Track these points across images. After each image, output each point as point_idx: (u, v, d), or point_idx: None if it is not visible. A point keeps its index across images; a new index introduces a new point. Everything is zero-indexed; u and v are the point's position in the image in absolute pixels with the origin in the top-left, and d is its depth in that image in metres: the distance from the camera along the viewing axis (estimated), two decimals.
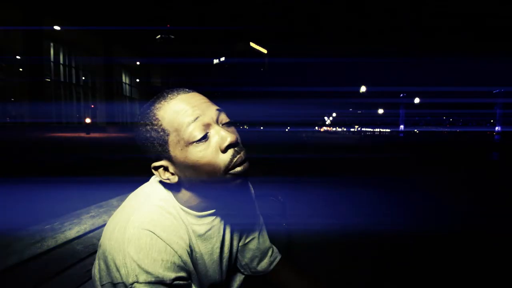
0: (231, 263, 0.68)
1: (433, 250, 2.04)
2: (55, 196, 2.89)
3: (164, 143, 0.49)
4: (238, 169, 0.49)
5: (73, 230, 0.61)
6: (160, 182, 0.56)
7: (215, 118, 0.50)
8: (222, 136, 0.48)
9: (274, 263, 0.75)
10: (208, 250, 0.58)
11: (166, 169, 0.51)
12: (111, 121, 26.47)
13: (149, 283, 0.44)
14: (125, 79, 32.97)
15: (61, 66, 23.00)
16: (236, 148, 0.49)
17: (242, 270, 0.76)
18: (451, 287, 1.61)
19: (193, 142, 0.47)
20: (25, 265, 0.49)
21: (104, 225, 0.70)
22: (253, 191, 0.75)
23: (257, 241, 0.73)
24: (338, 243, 2.10)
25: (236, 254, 0.72)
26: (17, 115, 18.70)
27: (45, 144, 10.27)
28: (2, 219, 2.19)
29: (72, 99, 24.38)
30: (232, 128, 0.53)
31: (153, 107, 0.50)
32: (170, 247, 0.49)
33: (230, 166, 0.48)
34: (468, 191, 4.06)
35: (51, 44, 21.77)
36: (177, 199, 0.54)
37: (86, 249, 0.63)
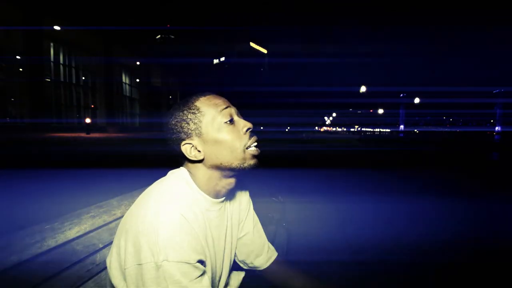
0: (232, 255, 0.72)
1: (433, 251, 2.04)
2: None
3: (198, 122, 0.60)
4: (253, 149, 0.62)
5: (73, 230, 0.61)
6: (178, 173, 0.64)
7: (236, 111, 0.65)
8: (244, 122, 0.63)
9: (271, 260, 0.79)
10: (217, 236, 0.64)
11: (194, 147, 0.61)
12: (111, 121, 26.47)
13: (177, 262, 0.49)
14: (125, 79, 32.96)
15: (61, 66, 23.00)
16: (253, 133, 0.63)
17: (241, 265, 0.79)
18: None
19: (225, 122, 0.60)
20: (25, 265, 0.49)
21: (104, 225, 0.70)
22: (248, 189, 0.80)
23: (252, 236, 0.77)
24: (338, 243, 2.10)
25: (235, 247, 0.75)
26: (17, 115, 18.71)
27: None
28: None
29: (72, 99, 24.38)
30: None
31: (190, 99, 0.63)
32: (195, 230, 0.55)
33: (247, 144, 0.61)
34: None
35: (51, 44, 21.77)
36: (196, 183, 0.62)
37: (86, 249, 0.63)
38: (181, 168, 0.65)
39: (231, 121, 0.62)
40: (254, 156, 0.62)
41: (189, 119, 0.61)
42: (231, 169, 0.61)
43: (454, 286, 1.63)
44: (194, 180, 0.62)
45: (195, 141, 0.61)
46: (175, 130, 0.62)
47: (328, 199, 3.35)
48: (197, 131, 0.61)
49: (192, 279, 0.50)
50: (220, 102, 0.62)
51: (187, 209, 0.56)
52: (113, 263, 0.55)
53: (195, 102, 0.62)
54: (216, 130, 0.60)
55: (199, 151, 0.61)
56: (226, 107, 0.62)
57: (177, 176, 0.63)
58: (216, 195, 0.64)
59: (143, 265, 0.49)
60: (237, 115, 0.64)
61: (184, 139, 0.61)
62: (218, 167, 0.61)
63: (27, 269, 0.50)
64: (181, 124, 0.61)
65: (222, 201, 0.66)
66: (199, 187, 0.62)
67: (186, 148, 0.61)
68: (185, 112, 0.62)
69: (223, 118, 0.61)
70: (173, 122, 0.62)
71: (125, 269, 0.51)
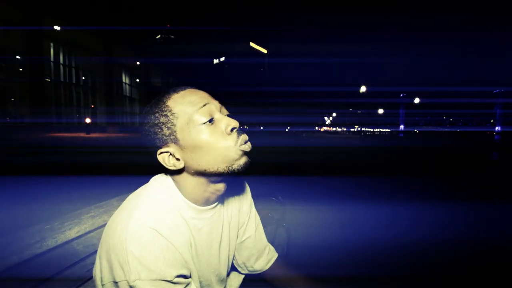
0: (229, 260, 0.69)
1: (433, 252, 2.04)
2: None
3: (172, 126, 0.53)
4: (245, 146, 0.54)
5: (73, 230, 0.61)
6: (161, 180, 0.58)
7: (219, 108, 0.56)
8: (227, 120, 0.54)
9: (271, 262, 0.76)
10: (207, 245, 0.59)
11: (171, 155, 0.54)
12: (111, 121, 26.46)
13: (151, 280, 0.45)
14: (125, 79, 32.94)
15: (61, 66, 22.99)
16: (239, 131, 0.55)
17: (239, 269, 0.77)
18: None
19: (203, 123, 0.52)
20: (25, 265, 0.50)
21: (104, 225, 0.70)
22: (249, 191, 0.77)
23: (254, 239, 0.74)
24: (338, 243, 2.10)
25: (234, 251, 0.72)
26: (17, 115, 18.70)
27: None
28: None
29: (72, 99, 24.37)
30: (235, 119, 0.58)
31: (162, 98, 0.55)
32: (172, 244, 0.49)
33: (238, 144, 0.53)
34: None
35: (51, 44, 21.75)
36: (181, 191, 0.56)
37: (86, 249, 0.63)
38: (164, 175, 0.59)
39: (211, 120, 0.53)
40: (244, 154, 0.54)
41: (161, 124, 0.53)
42: (218, 174, 0.54)
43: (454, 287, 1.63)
44: (179, 188, 0.56)
45: (172, 148, 0.54)
46: (149, 137, 0.55)
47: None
48: (172, 137, 0.53)
49: None
50: (196, 99, 0.54)
51: (163, 221, 0.51)
52: (97, 275, 0.52)
53: (167, 101, 0.54)
54: (194, 133, 0.52)
55: (177, 159, 0.54)
56: (204, 105, 0.53)
57: (159, 183, 0.57)
58: (205, 202, 0.58)
59: (118, 283, 0.46)
60: (220, 112, 0.56)
61: (160, 147, 0.54)
62: (203, 174, 0.54)
63: (27, 269, 0.50)
64: (154, 130, 0.54)
65: (214, 207, 0.60)
66: (184, 195, 0.56)
67: (163, 158, 0.54)
68: (156, 115, 0.53)
69: (200, 118, 0.52)
70: (146, 128, 0.55)
71: (103, 284, 0.49)
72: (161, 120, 0.53)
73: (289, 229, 1.14)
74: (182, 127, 0.52)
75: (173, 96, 0.54)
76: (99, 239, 0.68)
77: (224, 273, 0.67)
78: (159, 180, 0.58)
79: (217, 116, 0.55)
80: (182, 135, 0.53)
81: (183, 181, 0.56)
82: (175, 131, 0.53)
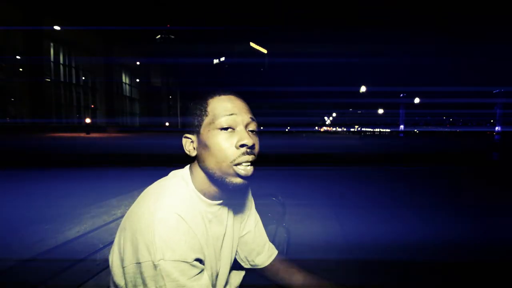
0: (232, 255, 0.72)
1: (435, 253, 2.04)
2: None
3: (200, 121, 0.59)
4: (241, 168, 0.56)
5: (73, 230, 0.61)
6: (179, 173, 0.64)
7: (245, 122, 0.59)
8: (243, 135, 0.57)
9: (272, 257, 0.79)
10: (215, 236, 0.64)
11: (192, 142, 0.61)
12: (111, 121, 26.48)
13: (174, 260, 0.49)
14: (125, 79, 32.96)
15: (61, 66, 23.01)
16: (248, 150, 0.57)
17: (242, 264, 0.79)
18: None
19: (220, 128, 0.57)
20: (25, 265, 0.49)
21: (104, 225, 0.70)
22: (249, 189, 0.80)
23: (253, 234, 0.78)
24: (338, 243, 2.10)
25: (236, 247, 0.76)
26: (17, 115, 18.71)
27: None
28: None
29: (72, 99, 24.39)
30: (256, 137, 0.61)
31: (205, 95, 0.61)
32: (192, 230, 0.55)
33: (235, 161, 0.55)
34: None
35: (51, 44, 21.77)
36: (194, 184, 0.61)
37: (86, 249, 0.63)
38: (185, 168, 0.66)
39: (226, 129, 0.57)
40: (239, 176, 0.56)
41: (195, 114, 0.60)
42: (214, 178, 0.58)
43: (454, 286, 1.63)
44: (193, 181, 0.62)
45: (194, 137, 0.61)
46: (185, 121, 0.63)
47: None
48: (197, 129, 0.60)
49: (190, 277, 0.51)
50: (228, 107, 0.59)
51: (185, 208, 0.56)
52: (115, 261, 0.56)
53: (208, 99, 0.61)
54: (210, 133, 0.57)
55: (194, 148, 0.61)
56: (231, 114, 0.58)
57: (177, 176, 0.63)
58: (213, 197, 0.63)
59: (141, 263, 0.49)
60: (245, 126, 0.59)
61: (187, 132, 0.62)
62: (206, 172, 0.59)
63: (27, 269, 0.50)
64: (191, 117, 0.62)
65: (221, 203, 0.65)
66: (196, 188, 0.61)
67: (185, 141, 0.62)
68: (198, 106, 0.61)
69: (221, 123, 0.57)
70: (186, 113, 0.63)
71: (124, 267, 0.52)
72: (197, 112, 0.60)
73: (289, 229, 1.14)
74: (206, 124, 0.58)
75: (214, 97, 0.60)
76: (99, 239, 0.68)
77: (227, 267, 0.70)
78: (178, 173, 0.64)
79: (239, 128, 0.58)
80: (203, 131, 0.58)
81: (196, 172, 0.62)
82: (201, 125, 0.59)
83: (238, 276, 0.79)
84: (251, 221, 0.79)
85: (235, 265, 0.78)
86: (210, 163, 0.57)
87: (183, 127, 0.64)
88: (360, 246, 2.04)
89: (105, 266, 0.68)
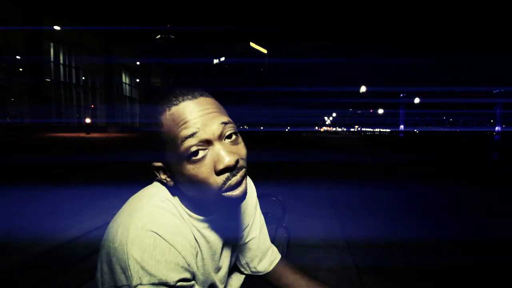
0: (231, 263, 0.69)
1: (435, 254, 2.04)
2: None
3: (163, 150, 0.47)
4: (231, 193, 0.47)
5: (73, 230, 0.61)
6: (163, 183, 0.54)
7: (217, 133, 0.46)
8: (219, 157, 0.45)
9: (274, 263, 0.76)
10: (211, 252, 0.59)
11: (165, 171, 0.50)
12: (111, 121, 26.49)
13: (153, 284, 0.44)
14: (125, 79, 32.97)
15: (61, 66, 23.02)
16: (233, 171, 0.46)
17: (242, 270, 0.76)
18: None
19: (187, 158, 0.45)
20: (25, 265, 0.50)
21: (104, 225, 0.70)
22: (255, 190, 0.75)
23: (258, 241, 0.73)
24: (338, 243, 2.10)
25: (236, 254, 0.72)
26: (17, 115, 18.72)
27: None
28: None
29: (72, 99, 24.39)
30: (238, 144, 0.50)
31: (158, 109, 0.47)
32: (174, 248, 0.47)
33: (222, 189, 0.46)
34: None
35: (51, 44, 21.78)
36: (180, 200, 0.53)
37: (86, 249, 0.63)
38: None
39: (196, 154, 0.45)
40: (231, 199, 0.48)
41: (155, 142, 0.48)
42: (206, 203, 0.52)
43: (454, 286, 1.63)
44: (179, 196, 0.54)
45: (163, 164, 0.50)
46: (147, 146, 0.51)
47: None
48: (160, 155, 0.49)
49: None
50: (187, 123, 0.45)
51: (166, 222, 0.49)
52: (98, 279, 0.50)
53: (161, 115, 0.47)
54: (179, 166, 0.46)
55: (170, 177, 0.50)
56: (193, 134, 0.44)
57: (160, 187, 0.54)
58: (203, 214, 0.56)
59: (119, 287, 0.45)
60: (220, 137, 0.47)
61: (154, 160, 0.50)
62: (195, 198, 0.51)
63: (27, 269, 0.50)
64: (150, 143, 0.49)
65: (213, 217, 0.58)
66: (183, 205, 0.54)
67: (157, 170, 0.51)
68: (153, 130, 0.48)
69: (185, 151, 0.44)
70: (145, 137, 0.50)
71: None
72: (154, 139, 0.48)
73: (289, 229, 1.15)
74: (170, 155, 0.47)
75: (165, 110, 0.46)
76: (99, 239, 0.68)
77: (225, 275, 0.66)
78: (162, 183, 0.55)
79: (211, 148, 0.46)
80: (170, 162, 0.48)
81: (180, 194, 0.53)
82: (165, 156, 0.48)
83: (238, 280, 0.77)
84: (256, 226, 0.73)
85: (235, 269, 0.76)
86: (195, 193, 0.49)
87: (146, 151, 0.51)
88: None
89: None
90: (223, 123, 0.47)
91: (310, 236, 2.19)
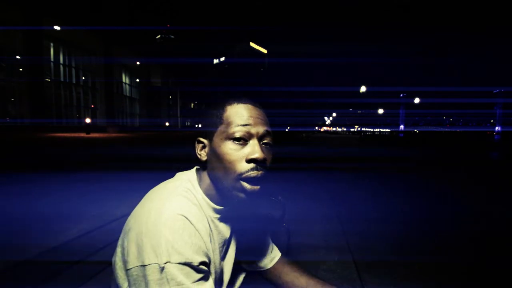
0: (234, 258, 0.72)
1: (435, 251, 2.04)
2: None
3: (214, 127, 0.59)
4: (246, 184, 0.55)
5: (73, 230, 0.61)
6: (186, 175, 0.64)
7: (260, 134, 0.58)
8: (254, 149, 0.56)
9: (275, 260, 0.78)
10: (221, 240, 0.64)
11: (204, 147, 0.62)
12: (111, 121, 26.46)
13: (179, 263, 0.48)
14: (125, 79, 32.95)
15: (61, 66, 23.00)
16: (258, 167, 0.55)
17: (244, 266, 0.79)
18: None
19: (231, 138, 0.56)
20: (25, 265, 0.50)
21: (104, 225, 0.70)
22: None
23: (258, 238, 0.77)
24: (338, 242, 2.10)
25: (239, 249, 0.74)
26: (17, 115, 18.70)
27: None
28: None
29: (72, 99, 24.38)
30: (269, 151, 0.60)
31: (226, 102, 0.61)
32: (198, 232, 0.54)
33: (243, 175, 0.55)
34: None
35: (51, 44, 21.76)
36: (200, 186, 0.61)
37: (86, 249, 0.63)
38: (191, 170, 0.66)
39: (239, 140, 0.56)
40: (244, 191, 0.55)
41: (211, 120, 0.61)
42: (220, 187, 0.59)
43: (453, 283, 1.63)
44: (200, 184, 0.62)
45: (206, 142, 0.61)
46: (202, 124, 0.63)
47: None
48: (210, 135, 0.60)
49: (195, 280, 0.50)
50: (244, 117, 0.58)
51: (191, 210, 0.56)
52: (118, 263, 0.55)
53: (225, 106, 0.60)
54: (222, 142, 0.57)
55: (205, 153, 0.61)
56: (245, 125, 0.57)
57: (183, 178, 0.63)
58: (218, 202, 0.62)
59: (146, 266, 0.48)
60: (259, 139, 0.58)
61: (201, 136, 0.63)
62: (213, 179, 0.60)
63: (27, 269, 0.50)
64: (205, 121, 0.62)
65: (226, 208, 0.64)
66: (203, 191, 0.61)
67: (197, 145, 0.63)
68: (215, 111, 0.61)
69: (233, 133, 0.56)
70: (202, 116, 0.64)
71: (127, 269, 0.51)
72: (213, 118, 0.60)
73: (289, 229, 1.14)
74: (220, 132, 0.58)
75: (232, 104, 0.60)
76: (99, 239, 0.68)
77: (230, 270, 0.70)
78: (184, 176, 0.63)
79: (251, 141, 0.57)
80: (216, 138, 0.58)
81: (204, 176, 0.62)
82: (214, 132, 0.59)
83: (239, 277, 0.79)
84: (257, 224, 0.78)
85: (236, 267, 0.77)
86: (218, 172, 0.57)
87: (197, 131, 0.65)
88: None
89: (105, 266, 0.68)
90: (267, 131, 0.60)
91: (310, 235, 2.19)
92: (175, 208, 0.53)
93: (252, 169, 0.55)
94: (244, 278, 0.79)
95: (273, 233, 1.06)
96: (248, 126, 0.57)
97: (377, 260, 1.84)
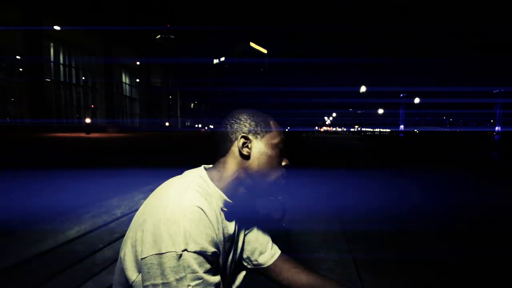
0: (238, 251, 0.74)
1: (434, 248, 2.04)
2: None
3: (264, 132, 0.69)
4: (283, 180, 0.69)
5: (73, 230, 0.61)
6: (195, 172, 0.68)
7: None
8: (285, 158, 0.72)
9: (275, 257, 0.79)
10: (227, 235, 0.66)
11: (246, 144, 0.67)
12: (111, 121, 26.46)
13: (195, 252, 0.51)
14: (125, 79, 32.96)
15: (61, 66, 23.01)
16: (286, 171, 0.71)
17: (245, 264, 0.80)
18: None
19: (279, 148, 0.69)
20: (25, 265, 0.49)
21: (104, 225, 0.70)
22: None
23: (256, 232, 0.79)
24: (338, 243, 2.10)
25: (242, 247, 0.77)
26: (17, 115, 18.71)
27: None
28: None
29: (72, 99, 24.38)
30: None
31: (268, 116, 0.73)
32: (212, 224, 0.58)
33: (279, 177, 0.69)
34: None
35: (51, 44, 21.78)
36: (214, 182, 0.66)
37: (86, 249, 0.63)
38: (199, 168, 0.70)
39: (281, 149, 0.70)
40: (282, 184, 0.70)
41: (259, 121, 0.69)
42: (259, 181, 0.67)
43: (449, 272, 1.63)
44: (211, 179, 0.66)
45: (253, 138, 0.68)
46: (241, 123, 0.68)
47: None
48: (260, 134, 0.68)
49: (207, 269, 0.53)
50: (281, 133, 0.73)
51: (206, 203, 0.59)
52: (128, 255, 0.56)
53: (268, 117, 0.72)
54: (271, 146, 0.68)
55: (249, 149, 0.67)
56: (282, 139, 0.71)
57: (194, 174, 0.67)
58: (230, 197, 0.67)
59: (163, 254, 0.50)
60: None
61: (245, 132, 0.67)
62: (250, 173, 0.66)
63: (27, 269, 0.50)
64: (250, 121, 0.68)
65: (235, 203, 0.68)
66: (216, 185, 0.66)
67: (243, 141, 0.67)
68: (258, 116, 0.70)
69: (280, 143, 0.69)
70: (243, 116, 0.69)
71: (142, 259, 0.52)
72: (259, 120, 0.69)
73: (289, 229, 1.15)
74: (270, 137, 0.69)
75: (273, 120, 0.73)
76: (99, 239, 0.68)
77: (233, 264, 0.71)
78: (195, 173, 0.67)
79: (283, 152, 0.71)
80: (266, 141, 0.68)
81: (215, 172, 0.67)
82: (264, 132, 0.69)
83: (240, 275, 0.79)
84: (254, 220, 0.80)
85: (236, 266, 0.78)
86: (259, 168, 0.66)
87: (233, 127, 0.70)
88: None
89: (105, 266, 0.68)
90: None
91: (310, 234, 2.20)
92: (192, 200, 0.57)
93: (283, 172, 0.70)
94: (244, 276, 0.80)
95: (269, 207, 1.11)
96: (282, 141, 0.71)
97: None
